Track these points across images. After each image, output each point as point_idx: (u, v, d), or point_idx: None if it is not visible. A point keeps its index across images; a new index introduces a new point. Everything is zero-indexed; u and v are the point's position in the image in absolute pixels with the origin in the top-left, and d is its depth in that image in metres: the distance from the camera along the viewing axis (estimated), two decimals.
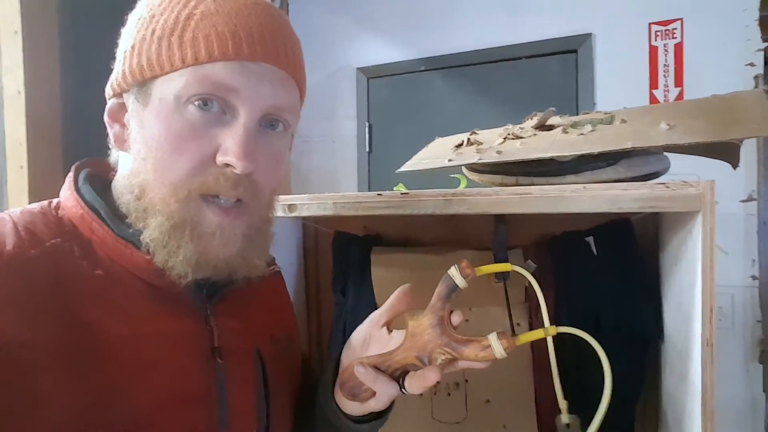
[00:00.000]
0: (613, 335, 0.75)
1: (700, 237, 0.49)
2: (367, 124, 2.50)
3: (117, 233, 0.45)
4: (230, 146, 0.43)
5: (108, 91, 0.49)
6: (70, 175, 0.49)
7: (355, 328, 0.58)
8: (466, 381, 0.83)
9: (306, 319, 0.99)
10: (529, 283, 0.53)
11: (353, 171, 2.52)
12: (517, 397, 0.81)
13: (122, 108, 0.47)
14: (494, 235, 0.77)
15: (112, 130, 0.48)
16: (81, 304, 0.41)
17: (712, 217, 0.48)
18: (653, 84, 1.98)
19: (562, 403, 0.54)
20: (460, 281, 0.50)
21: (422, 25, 2.37)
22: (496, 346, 0.47)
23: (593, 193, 0.54)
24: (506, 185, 0.70)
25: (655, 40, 1.98)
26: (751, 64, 1.82)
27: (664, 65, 1.97)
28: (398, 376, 0.52)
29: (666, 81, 1.96)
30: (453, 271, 0.50)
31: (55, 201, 0.48)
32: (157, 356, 0.44)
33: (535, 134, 0.69)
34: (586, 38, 2.08)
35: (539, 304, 0.53)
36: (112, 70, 0.49)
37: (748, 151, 1.71)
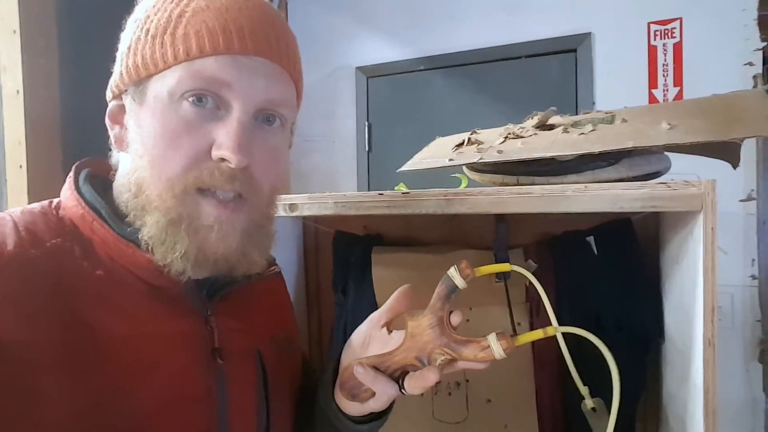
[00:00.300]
0: (614, 335, 0.75)
1: (702, 237, 0.49)
2: (366, 123, 2.50)
3: (118, 233, 0.45)
4: (224, 140, 0.43)
5: (108, 93, 0.49)
6: (71, 174, 0.49)
7: (355, 328, 0.58)
8: (467, 381, 0.82)
9: (306, 319, 0.99)
10: (530, 282, 0.53)
11: (353, 170, 2.52)
12: (519, 396, 0.81)
13: (122, 110, 0.48)
14: (495, 234, 0.77)
15: (112, 132, 0.49)
16: (82, 304, 0.41)
17: (714, 217, 0.48)
18: (652, 83, 1.98)
19: (583, 389, 0.54)
20: (459, 282, 0.50)
21: (422, 24, 2.37)
22: (496, 347, 0.47)
23: (594, 192, 0.53)
24: (507, 185, 0.70)
25: (655, 40, 1.98)
26: (750, 64, 1.82)
27: (663, 64, 1.97)
28: (398, 377, 0.52)
29: (665, 80, 1.97)
30: (452, 272, 0.50)
31: (55, 201, 0.48)
32: (158, 356, 0.44)
33: (535, 134, 0.69)
34: (585, 37, 2.08)
35: (540, 304, 0.53)
36: (111, 69, 0.49)
37: (748, 150, 1.71)
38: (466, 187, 0.85)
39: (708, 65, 1.88)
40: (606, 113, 0.69)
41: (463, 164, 0.75)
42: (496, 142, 0.71)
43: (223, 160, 0.43)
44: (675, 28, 1.95)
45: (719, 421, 0.48)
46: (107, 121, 0.49)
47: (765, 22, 1.81)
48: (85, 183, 0.48)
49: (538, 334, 0.49)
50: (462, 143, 0.77)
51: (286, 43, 0.48)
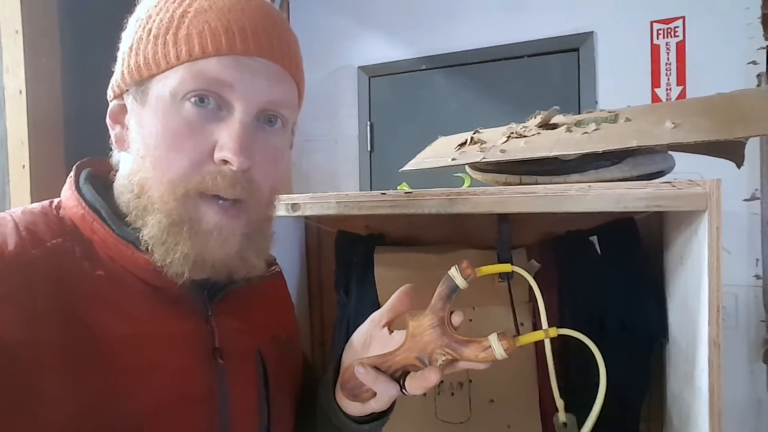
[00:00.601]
0: (618, 335, 0.75)
1: (707, 236, 0.48)
2: (368, 123, 2.50)
3: (118, 233, 0.45)
4: (226, 142, 0.43)
5: (109, 93, 0.49)
6: (71, 174, 0.49)
7: (358, 328, 0.57)
8: (470, 381, 0.82)
9: (308, 319, 0.99)
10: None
11: (355, 170, 2.52)
12: (521, 397, 0.81)
13: (123, 109, 0.48)
14: (498, 234, 0.77)
15: (113, 132, 0.48)
16: (82, 305, 0.41)
17: (719, 217, 0.48)
18: (655, 82, 1.98)
19: (559, 402, 0.54)
20: (460, 282, 0.49)
21: (423, 24, 2.36)
22: (497, 347, 0.47)
23: (598, 192, 0.53)
24: (510, 184, 0.70)
25: (657, 39, 1.98)
26: (754, 62, 1.82)
27: (666, 63, 1.96)
28: (399, 377, 0.51)
29: (668, 79, 1.96)
30: (453, 272, 0.50)
31: (56, 201, 0.48)
32: (158, 357, 0.44)
33: (538, 133, 0.69)
34: (587, 37, 2.08)
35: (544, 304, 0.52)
36: (112, 69, 0.49)
37: (751, 149, 1.71)
38: (468, 186, 0.85)
39: (711, 64, 1.87)
40: (609, 112, 0.69)
41: (466, 164, 0.75)
42: (499, 141, 0.71)
43: (225, 162, 0.43)
44: (678, 26, 1.94)
45: (723, 422, 0.48)
46: (108, 120, 0.49)
47: None
48: (86, 183, 0.48)
49: (539, 334, 0.49)
50: (465, 143, 0.77)
51: (288, 44, 0.48)
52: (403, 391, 0.51)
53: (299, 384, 0.63)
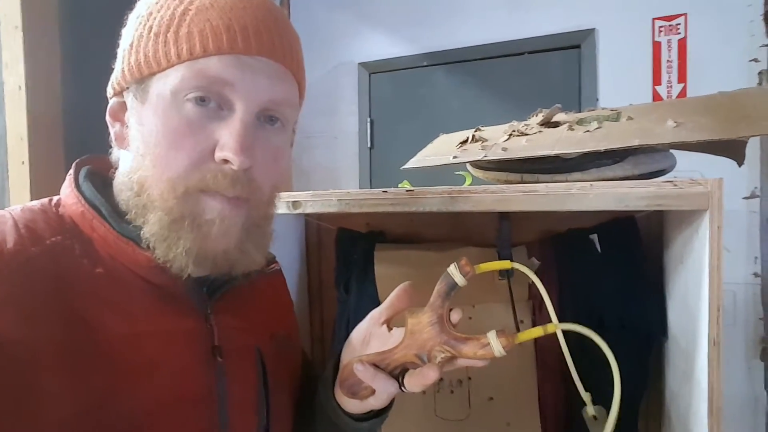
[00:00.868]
0: (617, 333, 0.75)
1: (708, 235, 0.48)
2: (368, 119, 2.49)
3: (118, 231, 0.45)
4: (227, 141, 0.43)
5: (109, 90, 0.49)
6: (71, 172, 0.49)
7: (357, 326, 0.57)
8: (470, 378, 0.82)
9: (308, 316, 0.99)
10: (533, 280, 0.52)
11: (355, 167, 2.52)
12: (521, 394, 0.81)
13: (123, 107, 0.47)
14: (498, 232, 0.77)
15: (113, 129, 0.48)
16: (82, 302, 0.41)
17: (720, 216, 0.48)
18: (656, 80, 1.97)
19: (586, 396, 0.54)
20: (459, 279, 0.50)
21: (424, 20, 2.36)
22: (495, 344, 0.47)
23: (600, 190, 0.53)
24: (511, 182, 0.70)
25: (659, 36, 1.97)
26: (756, 60, 1.81)
27: (668, 61, 1.96)
28: (398, 374, 0.52)
29: (669, 77, 1.96)
30: (452, 269, 0.50)
31: (55, 198, 0.48)
32: (158, 355, 0.44)
33: (540, 131, 0.69)
34: (589, 34, 2.07)
35: (543, 302, 0.53)
36: (112, 65, 0.48)
37: (751, 147, 1.70)
38: (470, 184, 0.85)
39: (713, 61, 1.87)
40: (611, 111, 0.69)
41: (467, 162, 0.75)
42: (501, 139, 0.71)
43: (225, 161, 0.43)
44: (680, 24, 1.94)
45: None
46: (108, 118, 0.48)
47: None
48: (86, 180, 0.48)
49: (537, 331, 0.49)
50: (466, 140, 0.76)
51: (289, 43, 0.47)
52: (402, 388, 0.51)
53: (298, 382, 0.63)
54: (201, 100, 0.43)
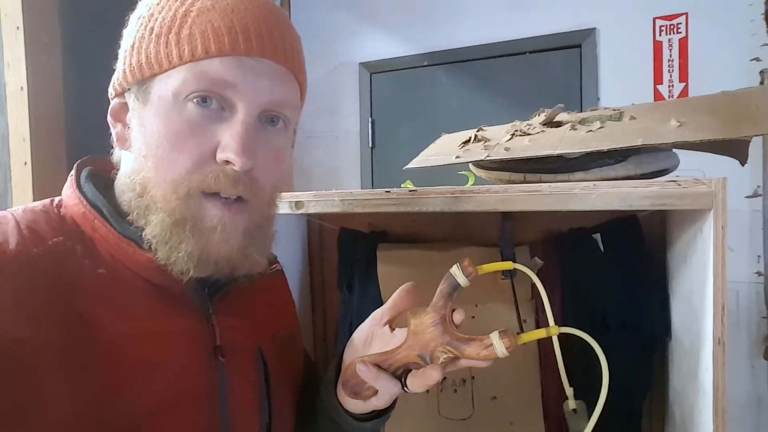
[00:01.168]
0: (620, 332, 0.75)
1: (712, 235, 0.48)
2: (369, 119, 2.49)
3: (119, 231, 0.45)
4: (229, 143, 0.43)
5: (111, 91, 0.49)
6: (72, 173, 0.49)
7: (359, 326, 0.57)
8: (473, 378, 0.82)
9: (311, 317, 0.99)
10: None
11: (356, 167, 2.52)
12: (524, 394, 0.81)
13: (124, 108, 0.47)
14: (501, 231, 0.77)
15: (114, 130, 0.48)
16: (83, 303, 0.41)
17: (724, 215, 0.48)
18: (657, 79, 1.97)
19: (569, 390, 0.54)
20: (462, 280, 0.50)
21: (425, 20, 2.35)
22: (498, 345, 0.47)
23: (603, 190, 0.53)
24: (514, 182, 0.70)
25: (660, 35, 1.97)
26: (757, 59, 1.81)
27: (669, 60, 1.96)
28: (400, 375, 0.52)
29: (670, 76, 1.95)
30: (455, 270, 0.50)
31: (57, 199, 0.48)
32: (160, 355, 0.44)
33: (543, 131, 0.69)
34: (590, 33, 2.07)
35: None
36: (114, 66, 0.49)
37: (754, 146, 1.69)
38: (473, 184, 0.85)
39: (714, 61, 1.87)
40: (614, 110, 0.69)
41: (470, 161, 0.75)
42: (503, 139, 0.71)
43: (227, 162, 0.43)
44: (681, 23, 1.94)
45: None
46: (109, 118, 0.48)
47: None
48: (87, 181, 0.48)
49: (540, 333, 0.49)
50: (468, 140, 0.76)
51: (290, 44, 0.48)
52: (405, 388, 0.51)
53: (300, 382, 0.63)
54: (202, 101, 0.43)
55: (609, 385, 0.48)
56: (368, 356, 0.52)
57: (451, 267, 0.50)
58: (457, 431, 0.82)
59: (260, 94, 0.45)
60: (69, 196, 0.47)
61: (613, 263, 0.78)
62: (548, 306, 0.52)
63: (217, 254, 0.45)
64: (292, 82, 0.48)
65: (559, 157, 0.64)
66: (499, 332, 0.47)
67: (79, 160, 0.51)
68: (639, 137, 0.57)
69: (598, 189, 0.53)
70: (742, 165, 0.69)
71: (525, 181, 0.69)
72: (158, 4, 0.45)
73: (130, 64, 0.45)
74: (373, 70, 2.48)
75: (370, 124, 2.49)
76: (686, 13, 1.92)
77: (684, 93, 1.94)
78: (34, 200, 0.48)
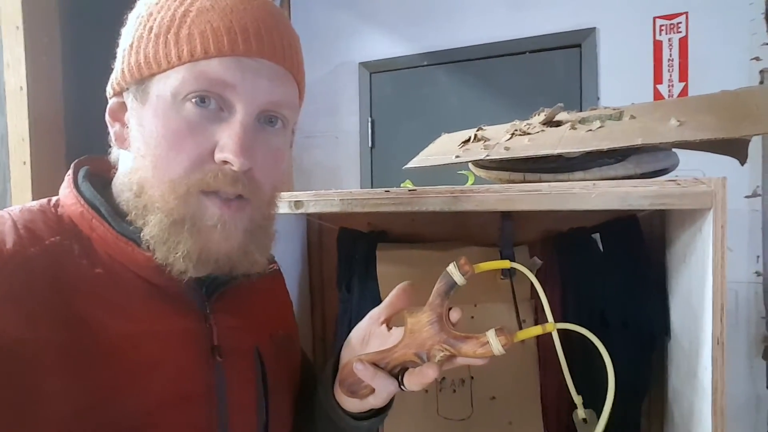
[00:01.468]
0: (619, 332, 0.75)
1: (711, 234, 0.48)
2: (369, 119, 2.49)
3: (118, 231, 0.45)
4: (227, 143, 0.43)
5: (109, 90, 0.49)
6: (69, 172, 0.49)
7: (356, 325, 0.57)
8: (472, 378, 0.82)
9: (310, 316, 0.99)
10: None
11: (356, 166, 2.52)
12: (523, 393, 0.81)
13: (122, 107, 0.47)
14: (500, 231, 0.77)
15: (113, 129, 0.48)
16: (81, 303, 0.41)
17: (724, 215, 0.48)
18: (657, 79, 1.97)
19: (577, 399, 0.54)
20: (458, 278, 0.50)
21: (425, 20, 2.35)
22: (494, 343, 0.47)
23: (603, 190, 0.53)
24: (514, 181, 0.70)
25: (660, 35, 1.97)
26: (757, 59, 1.81)
27: (669, 60, 1.95)
28: (397, 373, 0.52)
29: (670, 76, 1.95)
30: (451, 268, 0.50)
31: (54, 199, 0.48)
32: (157, 355, 0.44)
33: (543, 130, 0.69)
34: (590, 32, 2.07)
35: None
36: (113, 66, 0.48)
37: (753, 146, 1.70)
38: (472, 184, 0.85)
39: (714, 60, 1.87)
40: (614, 110, 0.69)
41: (470, 161, 0.75)
42: (503, 138, 0.71)
43: (225, 162, 0.43)
44: (681, 22, 1.94)
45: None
46: (107, 118, 0.48)
47: None
48: (84, 181, 0.48)
49: (536, 330, 0.49)
50: (468, 140, 0.76)
51: (289, 44, 0.48)
52: (402, 387, 0.51)
53: (298, 381, 0.63)
54: (201, 102, 0.43)
55: (607, 382, 0.48)
56: (365, 355, 0.52)
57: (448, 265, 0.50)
58: (456, 431, 0.82)
59: (259, 95, 0.45)
60: (66, 195, 0.47)
61: (612, 263, 0.78)
62: (547, 305, 0.52)
63: (217, 252, 0.44)
64: (291, 82, 0.48)
65: (559, 156, 0.64)
66: (496, 330, 0.47)
67: (76, 160, 0.51)
68: (639, 137, 0.57)
69: (597, 188, 0.53)
70: (742, 164, 0.69)
71: (525, 181, 0.68)
72: (157, 3, 0.45)
73: (129, 64, 0.45)
74: (373, 69, 2.48)
75: (369, 123, 2.49)
76: (686, 13, 1.92)
77: (684, 92, 1.94)
78: (33, 200, 0.47)
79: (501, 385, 0.81)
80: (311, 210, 0.68)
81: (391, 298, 0.55)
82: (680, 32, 1.93)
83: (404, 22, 2.40)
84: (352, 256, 0.89)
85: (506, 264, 0.52)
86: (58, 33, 1.32)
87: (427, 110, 2.37)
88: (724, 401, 0.48)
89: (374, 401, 0.52)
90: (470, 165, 0.80)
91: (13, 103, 1.26)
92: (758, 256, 1.77)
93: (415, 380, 0.50)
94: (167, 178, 0.43)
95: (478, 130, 0.79)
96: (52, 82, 1.31)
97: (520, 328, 0.79)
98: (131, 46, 0.45)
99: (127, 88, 0.46)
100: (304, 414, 0.61)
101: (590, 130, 0.63)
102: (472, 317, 0.81)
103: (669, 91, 1.95)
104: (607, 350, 0.48)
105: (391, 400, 0.55)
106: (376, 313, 0.56)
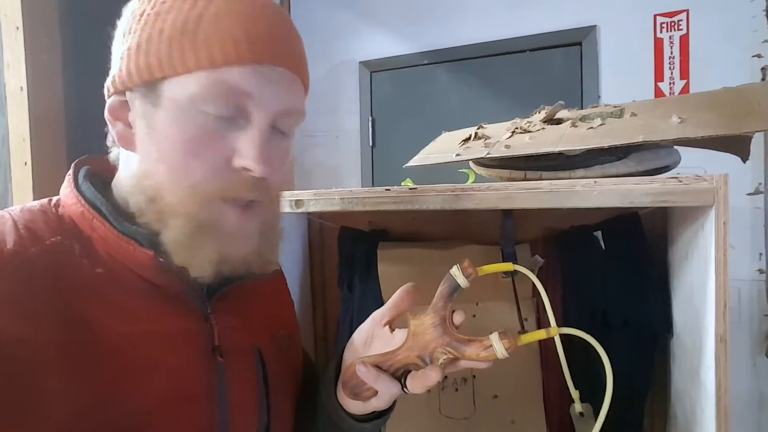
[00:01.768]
0: (622, 330, 0.75)
1: (713, 232, 0.48)
2: (370, 118, 2.49)
3: (119, 230, 0.45)
4: (247, 151, 0.43)
5: (108, 88, 0.48)
6: (70, 172, 0.49)
7: (359, 326, 0.57)
8: (474, 377, 0.82)
9: (311, 316, 0.99)
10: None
11: (356, 165, 2.51)
12: (525, 392, 0.81)
13: (125, 106, 0.46)
14: (501, 229, 0.76)
15: (114, 129, 0.47)
16: (81, 302, 0.41)
17: (726, 212, 0.48)
18: (658, 76, 1.97)
19: (575, 393, 0.54)
20: (462, 281, 0.49)
21: (425, 18, 2.35)
22: (498, 346, 0.47)
23: (604, 187, 0.53)
24: (514, 179, 0.69)
25: (661, 32, 1.96)
26: (758, 56, 1.80)
27: (670, 57, 1.95)
28: (400, 375, 0.51)
29: (671, 73, 1.95)
30: (455, 271, 0.50)
31: (55, 199, 0.48)
32: (158, 355, 0.44)
33: (543, 128, 0.68)
34: (590, 30, 2.06)
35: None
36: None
37: (755, 143, 1.69)
38: (473, 182, 0.85)
39: (715, 57, 1.86)
40: (615, 107, 0.68)
41: (470, 159, 0.74)
42: (504, 136, 0.70)
43: (245, 169, 0.44)
44: (681, 20, 1.93)
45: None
46: (108, 116, 0.47)
47: None
48: (85, 181, 0.48)
49: (540, 334, 0.49)
50: (469, 138, 0.76)
51: (297, 49, 0.48)
52: (405, 389, 0.51)
53: (299, 381, 0.63)
54: (218, 109, 0.43)
55: (612, 384, 0.47)
56: (368, 357, 0.52)
57: (452, 267, 0.50)
58: (459, 430, 0.82)
59: (274, 103, 0.45)
60: (67, 195, 0.47)
61: (614, 261, 0.77)
62: (549, 306, 0.51)
63: (235, 256, 0.45)
64: (300, 87, 0.49)
65: (560, 154, 0.63)
66: (499, 333, 0.47)
67: (76, 160, 0.51)
68: (640, 134, 0.57)
69: (599, 186, 0.53)
70: (744, 162, 0.69)
71: (526, 179, 0.68)
72: (164, 3, 0.44)
73: (137, 64, 0.44)
74: (374, 68, 2.48)
75: (370, 122, 2.49)
76: (687, 10, 1.92)
77: (685, 90, 1.93)
78: (35, 200, 0.47)
79: (503, 383, 0.81)
80: (312, 209, 0.68)
81: (394, 300, 0.55)
82: (681, 30, 1.93)
83: (404, 20, 2.39)
84: (353, 255, 0.89)
85: (509, 266, 0.52)
86: (58, 33, 1.32)
87: (428, 109, 2.37)
88: (727, 399, 0.47)
89: (377, 403, 0.52)
90: (471, 163, 0.80)
91: (14, 103, 1.26)
92: (761, 254, 1.76)
93: (417, 383, 0.50)
94: (186, 184, 0.43)
95: (478, 129, 0.79)
96: (52, 82, 1.31)
97: (522, 327, 0.80)
98: (138, 46, 0.44)
99: (132, 88, 0.45)
100: (305, 414, 0.61)
101: (591, 127, 0.63)
102: (474, 316, 0.81)
103: (670, 88, 1.95)
104: (609, 349, 0.48)
105: (394, 403, 0.55)
106: (378, 315, 0.55)
